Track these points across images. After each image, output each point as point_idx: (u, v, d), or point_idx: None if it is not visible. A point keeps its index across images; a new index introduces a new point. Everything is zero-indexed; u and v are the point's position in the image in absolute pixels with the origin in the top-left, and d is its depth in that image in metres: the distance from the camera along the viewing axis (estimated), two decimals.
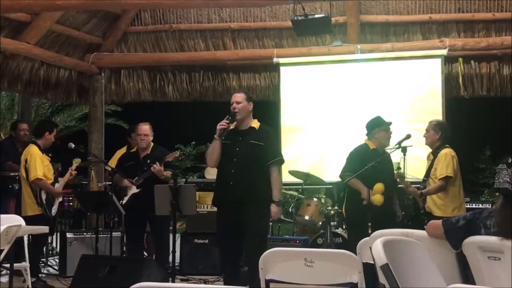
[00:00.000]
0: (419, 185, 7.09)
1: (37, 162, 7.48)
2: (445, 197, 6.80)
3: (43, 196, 7.56)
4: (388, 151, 6.97)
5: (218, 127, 5.96)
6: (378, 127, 6.96)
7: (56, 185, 7.77)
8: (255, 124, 6.12)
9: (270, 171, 5.99)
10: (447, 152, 6.82)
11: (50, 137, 7.82)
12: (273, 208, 5.94)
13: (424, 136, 7.09)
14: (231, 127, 6.09)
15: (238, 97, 6.07)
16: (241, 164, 5.95)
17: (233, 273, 5.90)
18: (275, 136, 6.24)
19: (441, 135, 6.95)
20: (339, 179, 7.31)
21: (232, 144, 6.01)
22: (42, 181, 7.52)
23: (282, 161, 6.12)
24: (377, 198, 6.54)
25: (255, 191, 5.90)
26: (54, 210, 7.70)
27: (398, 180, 6.82)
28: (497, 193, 3.48)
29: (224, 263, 6.27)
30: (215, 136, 6.01)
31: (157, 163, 7.29)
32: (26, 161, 7.55)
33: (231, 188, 5.99)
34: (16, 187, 8.17)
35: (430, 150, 7.10)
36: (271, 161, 5.97)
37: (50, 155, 7.95)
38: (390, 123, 7.05)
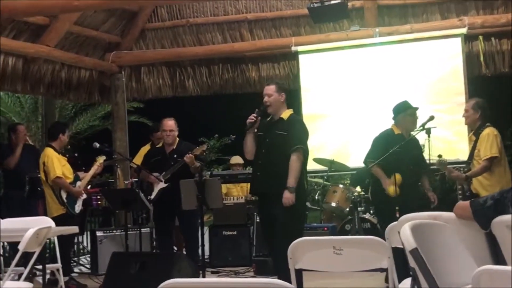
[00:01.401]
0: (457, 167, 7.00)
1: (55, 163, 7.58)
2: (491, 177, 6.67)
3: (64, 195, 7.63)
4: (413, 133, 6.92)
5: (247, 121, 6.00)
6: (404, 112, 6.88)
7: (78, 183, 7.83)
8: (285, 114, 6.11)
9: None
10: (489, 132, 6.68)
11: (64, 138, 7.91)
12: (285, 194, 5.81)
13: (463, 116, 6.98)
14: (268, 119, 6.14)
15: (269, 89, 6.07)
16: (268, 155, 6.00)
17: (276, 259, 5.96)
18: (299, 125, 6.14)
19: (481, 113, 6.82)
20: (362, 165, 7.30)
21: (264, 136, 6.07)
22: (62, 180, 7.61)
23: (301, 149, 5.96)
24: (391, 190, 6.51)
25: (280, 182, 5.86)
26: (78, 208, 7.75)
27: (439, 167, 6.74)
28: None
29: (269, 251, 6.39)
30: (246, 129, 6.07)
31: (189, 152, 7.33)
32: (44, 164, 7.64)
33: (259, 179, 6.05)
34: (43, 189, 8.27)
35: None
36: (291, 149, 5.91)
37: (67, 155, 8.04)
38: (416, 108, 6.98)
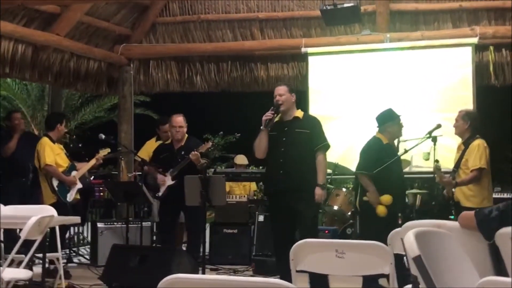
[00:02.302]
0: (448, 175, 7.02)
1: (46, 151, 7.58)
2: (474, 188, 6.74)
3: (55, 183, 7.62)
4: (419, 141, 6.90)
5: (264, 118, 6.09)
6: (391, 121, 6.81)
7: (74, 172, 7.81)
8: (299, 113, 6.29)
9: (316, 156, 6.11)
10: (479, 144, 6.73)
11: (62, 128, 7.91)
12: (317, 190, 6.03)
13: (453, 126, 7.02)
14: (276, 119, 6.22)
15: (281, 89, 6.21)
16: (289, 153, 6.08)
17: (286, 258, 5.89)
18: (319, 122, 6.34)
19: (470, 124, 6.85)
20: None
21: (279, 135, 6.14)
22: (52, 167, 7.60)
23: (328, 146, 6.24)
24: (381, 210, 6.47)
25: (305, 178, 6.04)
26: (70, 196, 7.71)
27: (435, 172, 6.73)
28: None
29: (278, 251, 6.30)
30: (261, 127, 6.11)
31: (195, 150, 7.32)
32: (37, 152, 7.65)
33: (281, 177, 6.10)
34: None
35: (459, 139, 7.03)
36: (317, 146, 6.11)
37: (71, 146, 8.03)
38: (400, 115, 6.95)
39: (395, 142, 7.00)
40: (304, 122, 6.22)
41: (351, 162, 9.13)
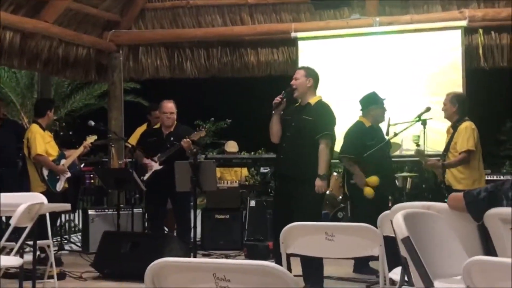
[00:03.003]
0: (438, 158, 7.04)
1: (37, 139, 7.54)
2: (464, 170, 6.75)
3: (45, 172, 7.59)
4: (408, 124, 6.91)
5: (273, 102, 6.00)
6: (375, 104, 6.89)
7: (63, 161, 7.79)
8: (313, 100, 6.11)
9: (318, 145, 5.95)
10: (467, 126, 6.74)
11: (51, 114, 7.90)
12: (317, 181, 5.87)
13: (442, 110, 7.02)
14: (296, 104, 6.15)
15: (298, 73, 6.14)
16: (292, 138, 6.00)
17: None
18: (327, 111, 6.12)
19: (458, 107, 6.85)
20: None
21: (290, 120, 6.06)
22: (43, 157, 7.57)
23: (330, 136, 5.99)
24: (368, 192, 6.52)
25: (303, 166, 5.92)
26: (59, 186, 7.69)
27: (417, 156, 6.74)
28: None
29: (275, 234, 6.28)
30: (272, 111, 6.05)
31: (187, 137, 7.30)
32: (27, 140, 7.60)
33: (282, 162, 6.09)
34: None
35: (449, 122, 7.04)
36: (318, 135, 5.93)
37: (61, 133, 7.98)
38: (384, 99, 7.00)
39: (386, 126, 7.00)
40: (313, 109, 6.04)
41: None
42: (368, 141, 6.53)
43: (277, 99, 5.99)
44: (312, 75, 6.16)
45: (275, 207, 6.35)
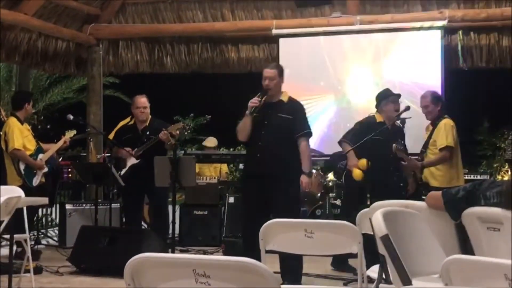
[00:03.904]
0: (417, 157, 7.06)
1: (15, 133, 7.46)
2: (442, 167, 6.77)
3: (22, 167, 7.52)
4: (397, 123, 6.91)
5: (250, 104, 5.90)
6: (385, 99, 6.87)
7: (40, 155, 7.72)
8: (284, 97, 6.09)
9: (298, 143, 5.96)
10: (446, 123, 6.77)
11: (29, 107, 7.82)
12: (304, 179, 5.90)
13: (424, 113, 7.01)
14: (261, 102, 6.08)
15: (272, 73, 6.00)
16: (269, 137, 5.94)
17: (254, 243, 5.83)
18: (302, 109, 6.18)
19: (441, 106, 6.92)
20: (336, 151, 7.31)
21: (261, 118, 5.96)
22: (20, 152, 7.50)
23: (310, 134, 6.09)
24: (356, 173, 6.55)
25: (282, 164, 5.89)
26: (36, 180, 7.63)
27: (396, 152, 6.73)
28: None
29: (246, 234, 6.20)
30: (246, 112, 5.94)
31: (164, 129, 7.27)
32: (5, 133, 7.53)
33: (259, 161, 5.97)
34: None
35: (427, 122, 7.06)
36: (299, 133, 5.94)
37: (39, 127, 7.91)
38: (398, 95, 7.00)
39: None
40: (288, 107, 6.02)
41: (321, 144, 9.21)
42: (373, 135, 6.51)
43: (255, 102, 5.90)
44: (282, 72, 6.13)
45: (248, 206, 6.16)
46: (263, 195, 5.94)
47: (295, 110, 6.06)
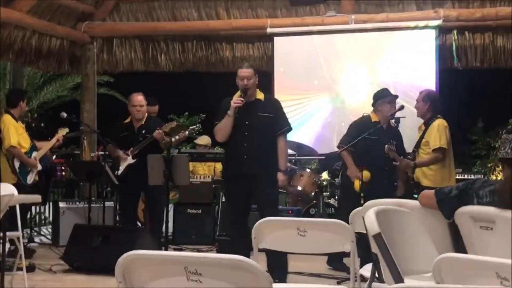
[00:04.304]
0: (409, 156, 7.05)
1: (11, 131, 7.44)
2: (435, 167, 6.77)
3: (16, 165, 7.50)
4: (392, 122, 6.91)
5: (233, 104, 5.89)
6: (382, 99, 6.87)
7: (34, 153, 7.70)
8: (260, 95, 6.13)
9: (278, 140, 6.03)
10: (439, 123, 6.78)
11: (24, 105, 7.81)
12: (280, 176, 5.99)
13: (414, 107, 7.05)
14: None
15: (249, 72, 6.01)
16: (253, 136, 5.97)
17: (243, 243, 5.83)
18: (281, 106, 6.24)
19: (430, 105, 6.89)
20: (331, 151, 7.29)
21: (241, 118, 5.97)
22: (16, 149, 7.48)
23: (290, 130, 6.21)
24: (357, 185, 6.58)
25: (268, 162, 5.97)
26: (30, 178, 7.61)
27: (388, 153, 6.72)
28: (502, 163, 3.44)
29: (234, 234, 6.25)
30: (228, 112, 5.93)
31: (158, 128, 7.26)
32: (0, 131, 7.50)
33: (245, 161, 5.97)
34: None
35: (421, 121, 7.06)
36: (280, 131, 6.04)
37: (33, 125, 7.90)
38: (396, 96, 7.00)
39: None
40: (266, 105, 6.08)
41: (316, 143, 9.21)
42: (368, 136, 6.51)
43: (238, 102, 5.90)
44: (256, 71, 6.18)
45: (235, 207, 6.16)
46: (249, 195, 6.02)
47: (274, 107, 6.14)
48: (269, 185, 5.97)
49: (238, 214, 6.08)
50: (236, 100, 5.92)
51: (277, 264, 5.79)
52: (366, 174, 6.55)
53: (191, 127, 8.14)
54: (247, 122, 5.99)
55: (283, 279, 5.82)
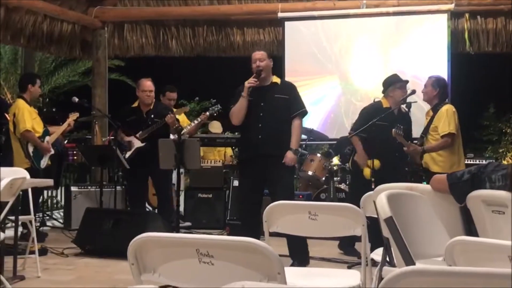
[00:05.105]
0: (416, 142, 7.02)
1: (25, 115, 7.46)
2: (443, 152, 6.74)
3: (30, 149, 7.53)
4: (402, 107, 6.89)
5: (247, 85, 5.97)
6: (393, 85, 6.86)
7: (47, 137, 7.73)
8: (276, 79, 6.23)
9: (292, 121, 6.08)
10: (448, 109, 6.74)
11: (35, 88, 7.76)
12: (289, 154, 6.00)
13: (422, 92, 7.00)
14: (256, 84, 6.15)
15: (261, 54, 6.12)
16: (268, 118, 6.02)
17: (254, 227, 5.86)
18: (296, 88, 6.31)
19: (439, 91, 6.86)
20: (342, 136, 7.27)
21: (257, 100, 6.04)
22: (31, 134, 7.50)
23: (305, 113, 6.24)
24: (367, 172, 6.58)
25: (283, 144, 6.02)
26: (43, 163, 7.65)
27: (397, 138, 6.70)
28: None
29: (245, 217, 6.26)
30: (242, 94, 6.00)
31: (170, 113, 7.31)
32: (14, 115, 7.53)
33: (260, 142, 6.03)
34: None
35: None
36: (296, 112, 6.09)
37: (44, 110, 7.92)
38: (406, 81, 6.97)
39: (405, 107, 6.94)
40: (282, 87, 6.17)
41: (326, 127, 9.19)
42: (379, 121, 6.50)
43: (252, 82, 5.97)
44: (271, 56, 6.27)
45: (248, 188, 6.19)
46: (263, 176, 6.05)
47: (290, 89, 6.22)
48: (283, 167, 6.00)
49: (251, 197, 6.09)
50: (250, 80, 5.99)
51: (296, 248, 5.89)
52: (376, 162, 6.55)
53: (211, 108, 8.20)
54: (262, 104, 6.05)
55: (305, 262, 5.92)
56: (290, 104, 6.10)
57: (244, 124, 6.15)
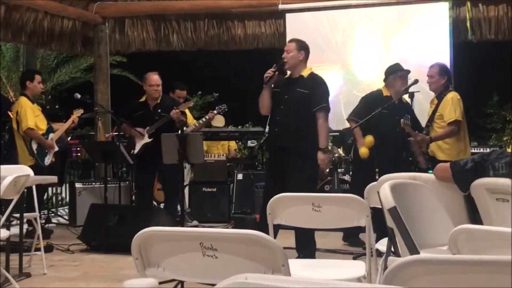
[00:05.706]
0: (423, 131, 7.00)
1: (28, 113, 7.47)
2: (450, 140, 6.73)
3: (34, 146, 7.54)
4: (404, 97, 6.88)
5: (265, 75, 5.93)
6: (394, 73, 6.86)
7: (51, 134, 7.74)
8: (306, 72, 6.07)
9: (316, 118, 5.93)
10: (453, 96, 6.71)
11: (34, 84, 7.73)
12: (320, 155, 5.87)
13: (428, 82, 6.97)
14: (286, 76, 6.11)
15: (289, 46, 6.09)
16: (287, 111, 5.95)
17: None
18: (322, 84, 6.11)
19: (447, 79, 6.86)
20: (345, 127, 7.27)
21: (282, 92, 6.01)
22: (34, 131, 7.51)
23: (326, 108, 6.00)
24: (362, 151, 6.56)
25: (299, 139, 5.89)
26: (47, 160, 7.66)
27: (404, 128, 6.69)
28: None
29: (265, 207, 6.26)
30: (263, 84, 5.98)
31: (174, 108, 7.30)
32: (17, 113, 7.53)
33: (277, 135, 6.01)
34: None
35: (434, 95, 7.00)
36: (315, 108, 5.91)
37: (47, 107, 7.92)
38: (408, 71, 6.96)
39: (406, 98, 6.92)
40: (307, 81, 6.01)
41: (330, 119, 9.17)
42: (378, 108, 6.49)
43: (269, 72, 5.91)
44: (304, 48, 6.11)
45: (267, 179, 6.27)
46: (281, 169, 5.96)
47: (314, 84, 6.02)
48: (297, 164, 5.86)
49: (271, 188, 6.02)
50: (268, 71, 5.93)
51: (304, 242, 5.84)
52: (369, 139, 6.53)
53: (217, 107, 8.20)
54: (286, 96, 6.00)
55: (311, 255, 5.85)
56: (311, 99, 5.94)
57: (270, 115, 6.14)
